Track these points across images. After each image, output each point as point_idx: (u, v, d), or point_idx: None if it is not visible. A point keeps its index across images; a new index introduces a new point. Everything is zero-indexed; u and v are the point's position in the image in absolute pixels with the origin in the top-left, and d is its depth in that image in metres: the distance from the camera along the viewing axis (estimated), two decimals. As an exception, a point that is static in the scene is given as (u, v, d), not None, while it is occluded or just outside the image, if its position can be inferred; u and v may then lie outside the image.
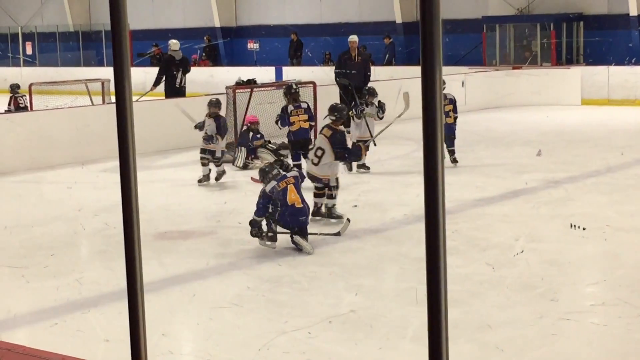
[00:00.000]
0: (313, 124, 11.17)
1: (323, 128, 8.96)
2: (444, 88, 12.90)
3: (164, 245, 7.83)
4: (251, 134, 11.97)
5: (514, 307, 5.91)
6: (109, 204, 9.41)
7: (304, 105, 10.73)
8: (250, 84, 13.41)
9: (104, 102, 16.31)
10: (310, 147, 9.71)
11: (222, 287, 6.63)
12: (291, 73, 21.80)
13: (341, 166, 9.83)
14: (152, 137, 13.29)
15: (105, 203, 9.65)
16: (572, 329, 5.48)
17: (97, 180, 11.43)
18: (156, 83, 15.86)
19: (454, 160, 11.57)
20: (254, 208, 7.51)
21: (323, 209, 8.67)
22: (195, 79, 18.00)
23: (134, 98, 12.19)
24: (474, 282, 6.41)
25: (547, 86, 19.38)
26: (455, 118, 11.66)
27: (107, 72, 18.50)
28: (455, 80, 17.40)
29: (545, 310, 5.76)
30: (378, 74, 16.09)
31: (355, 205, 9.22)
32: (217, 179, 10.73)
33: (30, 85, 16.05)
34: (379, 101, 11.86)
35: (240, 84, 13.31)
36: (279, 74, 23.61)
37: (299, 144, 10.62)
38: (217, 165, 10.74)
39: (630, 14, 21.70)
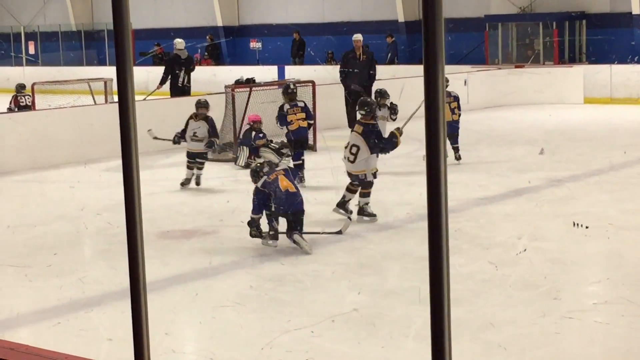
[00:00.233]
0: (312, 122, 11.16)
1: (354, 125, 8.90)
2: (447, 86, 12.67)
3: (166, 244, 7.84)
4: (254, 133, 11.95)
5: (517, 305, 5.91)
6: (112, 203, 9.43)
7: (300, 104, 10.70)
8: (250, 83, 13.40)
9: (106, 101, 16.29)
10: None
11: (225, 286, 6.64)
12: (294, 72, 21.80)
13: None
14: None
15: (108, 202, 9.66)
16: (575, 327, 5.48)
17: (100, 179, 11.43)
18: (162, 82, 15.87)
19: (458, 157, 11.61)
20: (253, 208, 7.54)
21: (350, 206, 8.59)
22: (198, 78, 17.97)
23: (138, 97, 12.23)
24: (476, 281, 6.41)
25: (550, 85, 19.34)
26: (460, 115, 11.68)
27: (109, 72, 18.47)
28: (458, 79, 17.38)
29: (548, 309, 5.76)
30: (380, 73, 16.03)
31: (357, 205, 9.22)
32: (197, 183, 10.61)
33: (33, 84, 16.02)
34: (391, 102, 11.75)
35: (241, 83, 13.30)
36: (281, 73, 23.60)
37: (299, 143, 10.59)
38: (199, 169, 10.65)
39: (633, 13, 21.66)
